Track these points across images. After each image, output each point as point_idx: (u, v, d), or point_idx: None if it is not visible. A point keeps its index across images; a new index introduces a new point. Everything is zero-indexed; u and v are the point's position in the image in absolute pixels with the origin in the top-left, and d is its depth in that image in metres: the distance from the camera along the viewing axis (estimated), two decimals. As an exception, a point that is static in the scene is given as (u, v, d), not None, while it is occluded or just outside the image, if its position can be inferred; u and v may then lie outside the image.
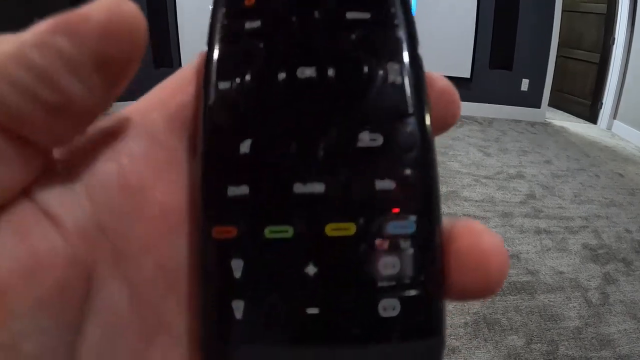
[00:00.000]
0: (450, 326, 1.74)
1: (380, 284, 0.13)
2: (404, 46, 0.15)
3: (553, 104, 5.18)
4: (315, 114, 0.14)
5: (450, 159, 3.51)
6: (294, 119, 0.14)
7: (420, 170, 0.14)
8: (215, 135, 0.15)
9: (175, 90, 0.16)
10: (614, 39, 4.61)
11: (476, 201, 2.80)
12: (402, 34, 0.15)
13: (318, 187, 0.14)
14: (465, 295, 0.14)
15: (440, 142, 3.82)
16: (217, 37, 0.16)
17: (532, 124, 4.66)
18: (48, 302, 0.11)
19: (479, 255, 0.14)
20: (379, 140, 0.14)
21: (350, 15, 0.15)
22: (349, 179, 0.14)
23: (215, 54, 0.15)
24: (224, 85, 0.15)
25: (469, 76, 4.72)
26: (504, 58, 4.64)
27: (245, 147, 0.14)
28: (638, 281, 2.05)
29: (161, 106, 0.15)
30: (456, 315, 1.80)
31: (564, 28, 4.79)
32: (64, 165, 0.13)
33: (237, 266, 0.14)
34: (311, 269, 0.13)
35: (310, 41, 0.15)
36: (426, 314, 0.14)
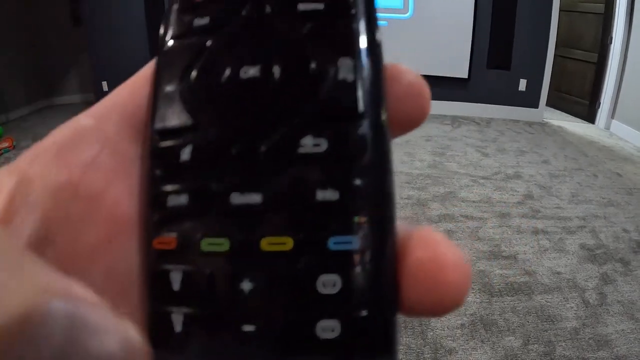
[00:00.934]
0: (447, 327, 1.74)
1: (317, 305, 0.12)
2: (359, 39, 0.14)
3: (551, 103, 5.18)
4: (258, 117, 0.13)
5: (448, 159, 3.51)
6: (235, 122, 0.13)
7: (370, 178, 0.13)
8: (159, 141, 0.14)
9: (131, 93, 0.16)
10: (612, 38, 4.61)
11: (473, 202, 2.79)
12: (358, 25, 0.14)
13: (255, 198, 0.13)
14: (419, 312, 0.13)
15: (437, 142, 3.86)
16: (168, 35, 0.15)
17: (530, 124, 4.66)
18: None
19: (435, 270, 0.13)
20: (323, 145, 0.13)
21: (302, 6, 0.14)
22: (288, 188, 0.13)
23: (164, 54, 0.15)
24: (169, 87, 0.14)
25: (466, 76, 4.72)
26: (501, 58, 4.64)
27: (185, 154, 0.13)
28: (636, 281, 2.05)
29: (116, 110, 0.15)
30: (453, 316, 1.80)
31: (562, 28, 4.80)
32: (21, 177, 0.14)
33: (175, 278, 0.13)
34: (246, 285, 0.13)
35: (257, 38, 0.14)
36: (372, 336, 0.13)
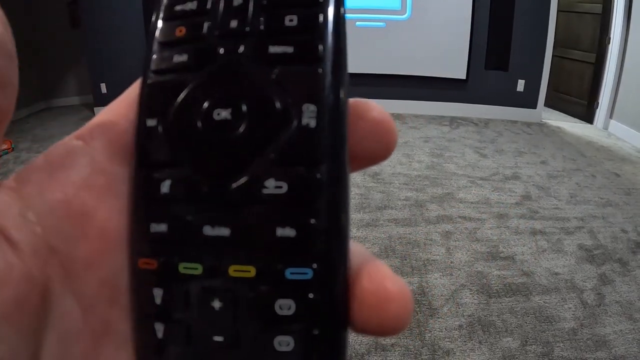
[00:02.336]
0: (445, 328, 1.74)
1: (275, 323, 0.14)
2: (324, 85, 0.15)
3: (549, 104, 5.19)
4: (228, 158, 0.15)
5: (446, 160, 3.51)
6: (209, 161, 0.15)
7: (323, 219, 0.14)
8: (142, 171, 0.16)
9: (118, 115, 0.17)
10: (610, 38, 4.62)
11: (472, 203, 2.79)
12: (323, 71, 0.15)
13: (224, 231, 0.14)
14: (368, 333, 0.15)
15: (436, 143, 3.86)
16: (150, 67, 0.16)
17: (528, 125, 4.66)
18: (7, 313, 0.13)
19: (378, 302, 0.15)
20: (284, 187, 0.14)
21: (272, 49, 0.15)
22: (252, 224, 0.14)
23: (147, 87, 0.16)
24: (150, 122, 0.16)
25: (464, 77, 4.72)
26: (499, 59, 4.65)
27: (165, 187, 0.15)
28: (634, 282, 2.05)
29: (104, 132, 0.17)
30: (450, 317, 1.80)
31: (560, 28, 4.80)
32: (19, 195, 0.15)
33: (157, 294, 0.15)
34: (217, 304, 0.15)
35: (231, 79, 0.15)
36: (322, 351, 0.15)
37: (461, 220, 2.58)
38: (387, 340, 1.67)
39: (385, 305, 0.14)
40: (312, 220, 0.14)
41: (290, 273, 0.14)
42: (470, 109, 4.84)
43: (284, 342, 0.14)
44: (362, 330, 0.15)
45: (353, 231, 2.43)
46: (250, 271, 0.14)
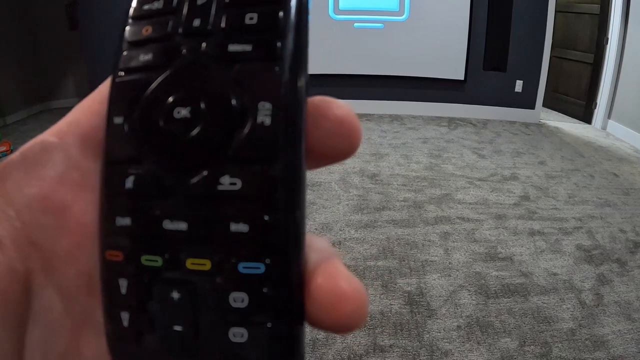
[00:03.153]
0: (443, 329, 1.74)
1: (229, 315, 0.15)
2: (280, 83, 0.15)
3: (547, 104, 5.19)
4: (187, 155, 0.15)
5: (444, 161, 3.51)
6: (170, 158, 0.15)
7: (276, 216, 0.15)
8: (110, 167, 0.16)
9: (90, 112, 0.17)
10: (608, 39, 4.62)
11: (470, 203, 2.79)
12: (280, 69, 0.15)
13: (182, 225, 0.15)
14: (321, 328, 0.15)
15: (434, 144, 3.86)
16: (118, 65, 0.17)
17: (527, 125, 4.67)
18: None
19: (332, 300, 0.15)
20: (238, 184, 0.15)
21: (232, 47, 0.15)
22: (208, 219, 0.15)
23: (115, 86, 0.17)
24: (117, 120, 0.16)
25: (462, 78, 4.73)
26: (497, 59, 4.65)
27: (129, 182, 0.16)
28: (632, 282, 2.05)
29: (77, 128, 0.17)
30: (449, 318, 1.80)
31: (558, 29, 4.81)
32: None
33: (123, 284, 0.16)
34: (176, 295, 0.15)
35: (192, 78, 0.16)
36: (276, 343, 0.15)
37: (459, 221, 2.58)
38: (385, 342, 1.67)
39: (339, 304, 0.15)
40: (266, 217, 0.15)
41: (243, 267, 0.15)
42: (469, 110, 4.84)
43: (238, 334, 0.15)
44: (317, 325, 0.15)
45: (351, 232, 2.43)
46: (206, 264, 0.15)
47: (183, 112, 0.15)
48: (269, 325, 0.15)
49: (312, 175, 3.11)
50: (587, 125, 4.89)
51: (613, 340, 1.69)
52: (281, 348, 0.15)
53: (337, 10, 4.63)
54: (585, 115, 5.00)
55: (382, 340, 1.68)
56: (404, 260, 2.19)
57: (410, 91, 4.85)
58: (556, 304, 1.89)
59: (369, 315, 0.15)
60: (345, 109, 0.16)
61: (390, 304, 1.88)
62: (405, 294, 1.94)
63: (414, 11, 4.60)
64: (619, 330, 1.74)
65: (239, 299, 0.15)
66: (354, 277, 0.15)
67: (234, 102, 0.15)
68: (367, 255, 2.22)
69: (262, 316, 0.15)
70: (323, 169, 3.18)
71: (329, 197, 2.82)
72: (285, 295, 0.15)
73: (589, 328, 1.75)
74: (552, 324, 1.78)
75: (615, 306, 1.88)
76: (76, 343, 0.16)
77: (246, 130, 0.15)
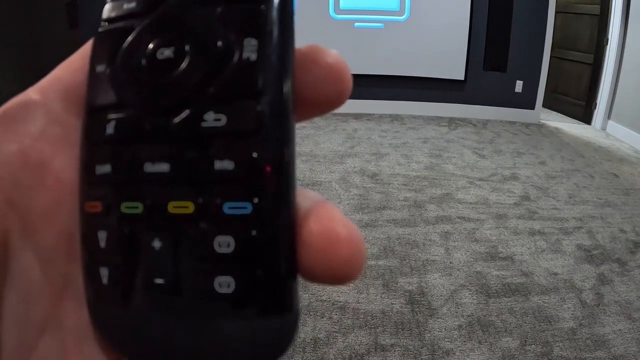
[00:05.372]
0: (444, 329, 1.74)
1: (215, 263, 0.14)
2: (266, 21, 0.14)
3: (547, 105, 5.20)
4: (170, 95, 0.14)
5: (445, 161, 3.51)
6: (152, 99, 0.15)
7: (263, 151, 0.14)
8: (90, 116, 0.16)
9: (74, 68, 0.17)
10: (608, 39, 4.63)
11: (470, 203, 2.79)
12: (266, 7, 0.15)
13: (164, 167, 0.14)
14: (317, 280, 0.14)
15: (434, 144, 3.86)
16: (103, 16, 0.16)
17: (527, 125, 4.67)
18: None
19: (326, 244, 0.14)
20: (223, 120, 0.14)
21: None
22: (191, 158, 0.14)
23: (98, 36, 0.16)
24: (99, 68, 0.16)
25: (462, 78, 4.73)
26: (497, 60, 4.65)
27: (110, 128, 0.15)
28: (633, 281, 2.05)
29: (59, 84, 0.17)
30: (450, 317, 1.80)
31: (558, 29, 4.81)
32: None
33: (102, 237, 0.15)
34: (157, 243, 0.14)
35: (176, 21, 0.15)
36: (266, 294, 0.14)
37: (460, 220, 2.58)
38: (386, 341, 1.67)
39: (333, 248, 0.14)
40: (253, 153, 0.14)
41: (229, 207, 0.14)
42: (469, 110, 4.85)
43: (224, 283, 0.14)
44: (312, 277, 0.14)
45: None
46: (189, 207, 0.14)
47: (166, 53, 0.15)
48: (258, 272, 0.14)
49: (312, 175, 3.11)
50: (586, 125, 4.89)
51: (614, 339, 1.70)
52: (272, 300, 0.14)
53: (337, 10, 4.62)
54: (585, 115, 5.00)
55: (384, 340, 1.68)
56: (404, 260, 2.19)
57: (411, 91, 4.85)
58: (557, 304, 1.90)
59: (365, 263, 0.14)
60: (335, 57, 0.16)
61: (391, 303, 1.88)
62: (406, 293, 1.94)
63: (414, 11, 4.60)
64: (620, 330, 1.75)
65: (224, 244, 0.14)
66: (349, 222, 0.14)
67: (218, 39, 0.14)
68: (368, 255, 2.22)
69: (249, 262, 0.14)
70: (323, 169, 3.18)
71: (330, 197, 2.82)
72: (275, 238, 0.14)
73: (590, 327, 1.76)
74: (553, 323, 1.78)
75: (616, 306, 1.89)
76: (56, 311, 0.15)
77: (231, 66, 0.14)
